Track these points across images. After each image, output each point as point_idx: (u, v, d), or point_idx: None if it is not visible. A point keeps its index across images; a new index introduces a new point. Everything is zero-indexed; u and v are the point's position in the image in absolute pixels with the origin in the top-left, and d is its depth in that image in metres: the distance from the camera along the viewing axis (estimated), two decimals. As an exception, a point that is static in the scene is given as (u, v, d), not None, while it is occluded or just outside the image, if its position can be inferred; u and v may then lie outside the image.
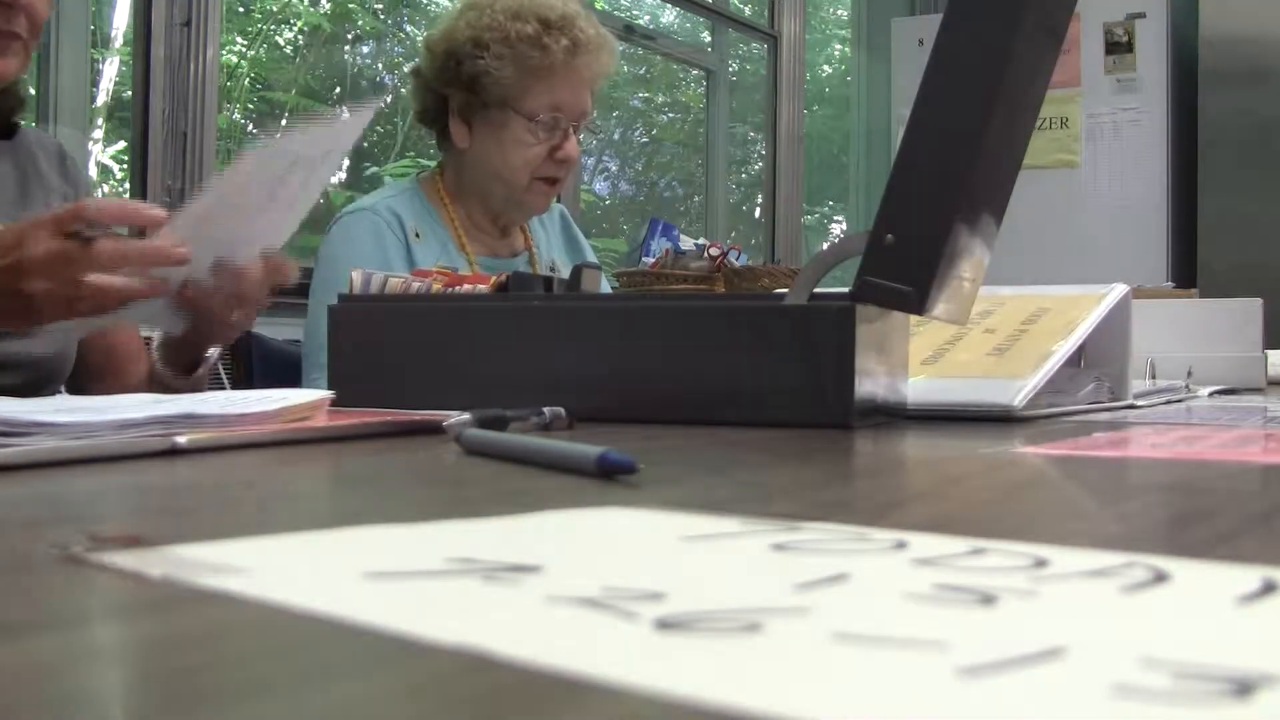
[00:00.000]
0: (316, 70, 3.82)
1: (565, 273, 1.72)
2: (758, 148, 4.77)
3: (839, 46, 5.59)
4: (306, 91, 3.68)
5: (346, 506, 0.48)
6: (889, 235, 0.78)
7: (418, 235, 1.57)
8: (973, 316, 0.91)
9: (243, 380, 1.62)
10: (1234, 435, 0.75)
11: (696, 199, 4.71)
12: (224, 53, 3.10)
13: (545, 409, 0.73)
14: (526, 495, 0.47)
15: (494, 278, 0.98)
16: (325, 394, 0.74)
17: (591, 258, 1.81)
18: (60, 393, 1.25)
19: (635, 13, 4.51)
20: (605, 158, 4.78)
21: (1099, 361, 1.08)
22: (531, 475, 0.51)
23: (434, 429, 0.70)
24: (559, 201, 1.84)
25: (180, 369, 1.14)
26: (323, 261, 1.58)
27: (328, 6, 3.80)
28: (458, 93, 1.59)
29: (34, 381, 1.19)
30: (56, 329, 1.05)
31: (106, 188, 2.83)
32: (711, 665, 0.20)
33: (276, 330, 1.74)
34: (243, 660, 0.22)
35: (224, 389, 1.78)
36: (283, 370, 1.60)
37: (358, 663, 0.22)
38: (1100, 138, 4.19)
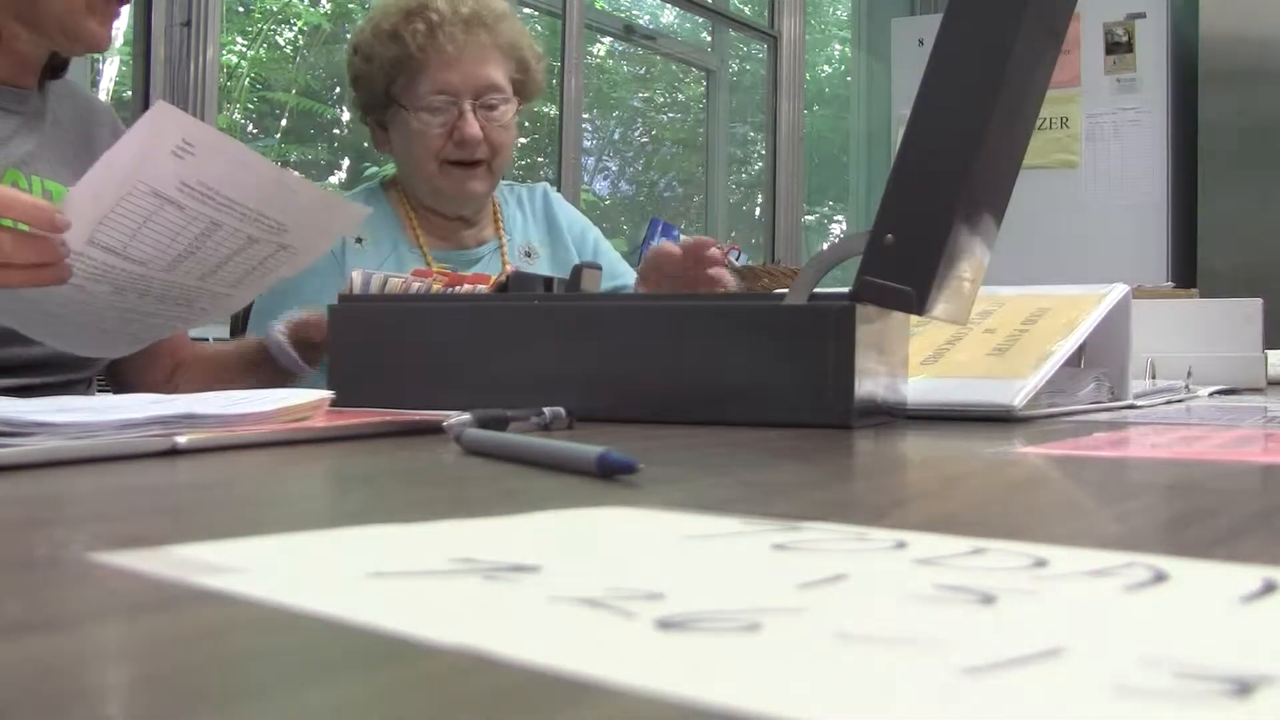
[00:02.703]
0: (316, 70, 3.82)
1: (543, 255, 1.71)
2: (758, 148, 4.77)
3: (839, 46, 5.59)
4: (306, 91, 3.68)
5: (346, 506, 0.48)
6: (889, 235, 0.78)
7: (359, 240, 1.58)
8: (973, 316, 0.91)
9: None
10: (1234, 435, 0.75)
11: (696, 199, 4.71)
12: (224, 53, 3.10)
13: (545, 409, 0.73)
14: (526, 495, 0.47)
15: (494, 277, 0.98)
16: (325, 394, 0.74)
17: (572, 234, 1.75)
18: (90, 384, 1.27)
19: (635, 13, 4.51)
20: (605, 158, 4.78)
21: (1099, 361, 1.08)
22: (531, 475, 0.51)
23: (434, 429, 0.70)
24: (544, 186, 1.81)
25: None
26: None
27: (328, 6, 3.80)
28: (360, 102, 1.64)
29: (65, 380, 1.21)
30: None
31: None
32: (711, 665, 0.20)
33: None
34: (243, 660, 0.22)
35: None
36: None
37: (358, 663, 0.22)
38: (1100, 138, 4.19)
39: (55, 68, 1.28)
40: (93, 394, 1.27)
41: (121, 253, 0.91)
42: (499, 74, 1.60)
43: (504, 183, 1.72)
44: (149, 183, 0.87)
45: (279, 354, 1.29)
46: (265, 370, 1.31)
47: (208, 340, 1.52)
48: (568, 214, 1.78)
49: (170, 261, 0.93)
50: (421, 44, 1.55)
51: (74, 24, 1.16)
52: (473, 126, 1.57)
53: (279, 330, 1.30)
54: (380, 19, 1.58)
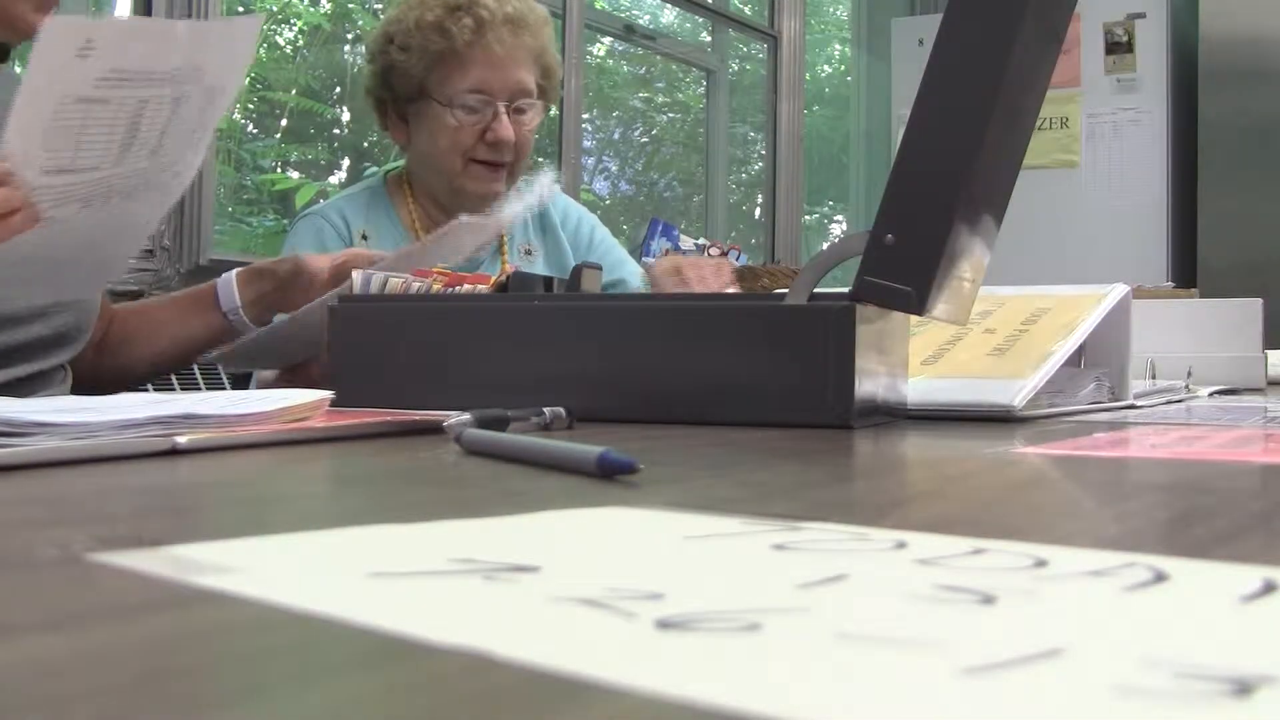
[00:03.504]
0: (316, 70, 3.82)
1: (539, 251, 1.70)
2: (758, 148, 4.77)
3: (839, 46, 5.59)
4: (307, 91, 3.68)
5: (346, 506, 0.48)
6: (889, 235, 0.78)
7: (364, 237, 1.57)
8: (973, 316, 0.91)
9: (243, 381, 1.62)
10: (1234, 435, 0.75)
11: (696, 199, 4.71)
12: (224, 53, 3.09)
13: (545, 409, 0.73)
14: (526, 495, 0.47)
15: (494, 277, 0.98)
16: (325, 394, 0.74)
17: (566, 228, 1.74)
18: (65, 370, 1.27)
19: (635, 13, 4.51)
20: (605, 158, 4.78)
21: (1099, 361, 1.08)
22: (531, 475, 0.51)
23: (434, 429, 0.70)
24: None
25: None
26: None
27: (328, 6, 3.80)
28: (384, 91, 1.61)
29: (48, 368, 1.21)
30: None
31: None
32: (711, 665, 0.20)
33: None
34: (242, 660, 0.22)
35: (224, 389, 1.78)
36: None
37: (358, 663, 0.22)
38: (1100, 138, 4.19)
39: None
40: (67, 385, 1.27)
41: (72, 167, 0.92)
42: (531, 78, 1.60)
43: None
44: (70, 93, 0.88)
45: (225, 297, 1.25)
46: (205, 320, 1.27)
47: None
48: (561, 207, 1.76)
49: (118, 154, 0.94)
50: (469, 40, 1.54)
51: (17, 14, 1.16)
52: (507, 129, 1.57)
53: (233, 275, 1.27)
54: (422, 11, 1.56)
